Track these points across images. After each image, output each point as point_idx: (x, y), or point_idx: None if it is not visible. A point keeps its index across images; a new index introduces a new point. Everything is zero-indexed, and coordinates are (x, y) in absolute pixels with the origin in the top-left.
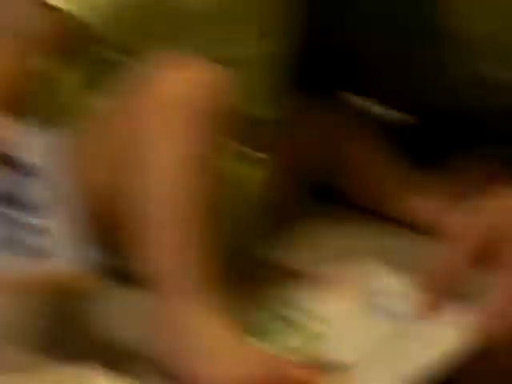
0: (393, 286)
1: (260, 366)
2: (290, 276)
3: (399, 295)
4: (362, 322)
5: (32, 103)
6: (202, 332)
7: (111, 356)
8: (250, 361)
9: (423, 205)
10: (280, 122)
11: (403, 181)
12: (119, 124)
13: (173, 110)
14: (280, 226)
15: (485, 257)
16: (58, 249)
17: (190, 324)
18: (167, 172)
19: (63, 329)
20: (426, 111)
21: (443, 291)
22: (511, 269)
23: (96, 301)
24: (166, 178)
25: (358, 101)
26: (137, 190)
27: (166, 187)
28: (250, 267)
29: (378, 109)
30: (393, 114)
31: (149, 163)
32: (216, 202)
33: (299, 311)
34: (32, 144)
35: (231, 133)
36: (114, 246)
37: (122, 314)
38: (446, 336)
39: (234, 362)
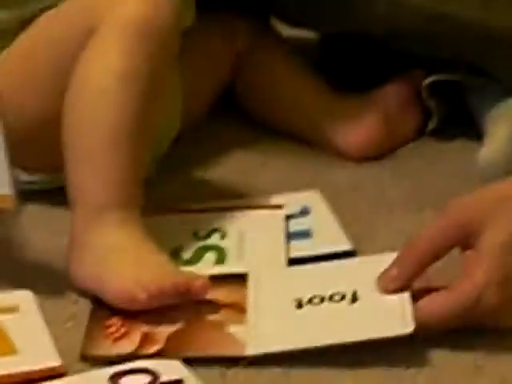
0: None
1: (158, 274)
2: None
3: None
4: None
5: None
6: (109, 244)
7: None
8: (149, 270)
9: (347, 128)
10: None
11: (321, 98)
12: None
13: (111, 28)
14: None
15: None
16: None
17: (98, 237)
18: (101, 90)
19: None
20: (329, 31)
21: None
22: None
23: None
24: (99, 97)
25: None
26: (72, 107)
27: (99, 106)
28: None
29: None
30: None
31: (84, 81)
32: (150, 121)
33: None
34: None
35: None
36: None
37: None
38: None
39: (136, 270)
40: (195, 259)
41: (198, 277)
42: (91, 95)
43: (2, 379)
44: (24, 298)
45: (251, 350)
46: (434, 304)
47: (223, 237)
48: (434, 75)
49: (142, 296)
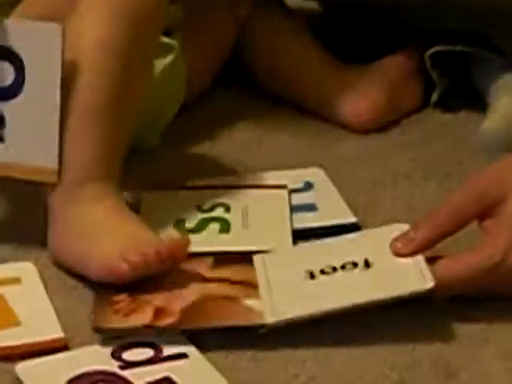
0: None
1: (139, 245)
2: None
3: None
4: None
5: None
6: (89, 220)
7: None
8: (130, 241)
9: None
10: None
11: (325, 68)
12: None
13: None
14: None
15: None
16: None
17: (77, 213)
18: (85, 55)
19: None
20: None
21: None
22: None
23: None
24: (84, 61)
25: None
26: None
27: (83, 72)
28: None
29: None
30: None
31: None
32: (132, 95)
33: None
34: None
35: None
36: None
37: None
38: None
39: (117, 244)
40: (199, 228)
41: (180, 241)
42: (68, 67)
43: (5, 351)
44: (26, 269)
45: (270, 318)
46: (455, 263)
47: (227, 210)
48: (437, 46)
49: (125, 267)
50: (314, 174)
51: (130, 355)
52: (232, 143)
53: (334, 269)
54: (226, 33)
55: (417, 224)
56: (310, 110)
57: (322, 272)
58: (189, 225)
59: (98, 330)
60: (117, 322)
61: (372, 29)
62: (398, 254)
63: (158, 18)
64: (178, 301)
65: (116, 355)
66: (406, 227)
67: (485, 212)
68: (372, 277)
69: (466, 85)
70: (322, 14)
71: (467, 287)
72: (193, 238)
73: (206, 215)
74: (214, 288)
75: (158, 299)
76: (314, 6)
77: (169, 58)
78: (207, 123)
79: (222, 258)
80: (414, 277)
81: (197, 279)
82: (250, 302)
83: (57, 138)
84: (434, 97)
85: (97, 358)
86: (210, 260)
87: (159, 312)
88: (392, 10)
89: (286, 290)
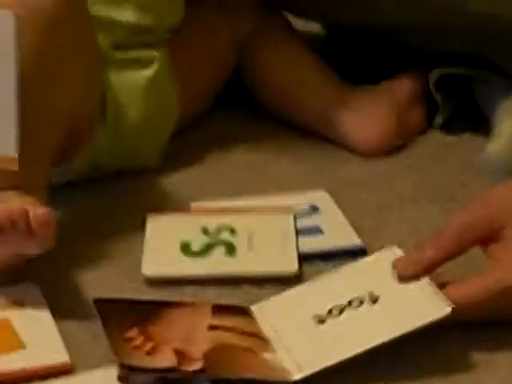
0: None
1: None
2: None
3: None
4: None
5: None
6: None
7: None
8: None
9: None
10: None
11: (331, 88)
12: None
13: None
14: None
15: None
16: None
17: None
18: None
19: None
20: (335, 22)
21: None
22: None
23: None
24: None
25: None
26: None
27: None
28: None
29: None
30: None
31: None
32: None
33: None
34: None
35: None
36: None
37: None
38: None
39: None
40: (205, 252)
41: (38, 205)
42: None
43: (10, 375)
44: (30, 291)
45: (297, 375)
46: (467, 287)
47: (233, 233)
48: (441, 69)
49: None
50: (319, 197)
51: (136, 379)
52: (235, 165)
53: (341, 310)
54: (225, 52)
55: (421, 245)
56: (313, 132)
57: (330, 314)
58: (195, 248)
59: (124, 366)
60: (142, 361)
61: (375, 51)
62: (403, 277)
63: (63, 26)
64: (195, 345)
65: (122, 379)
66: (399, 252)
67: (489, 236)
68: (384, 312)
69: (470, 107)
70: (326, 37)
71: (479, 311)
72: (199, 261)
73: (211, 238)
74: (226, 337)
75: (174, 341)
76: (317, 28)
77: (151, 70)
78: (208, 145)
79: (219, 307)
80: (428, 304)
81: (203, 325)
82: (267, 356)
83: (15, 125)
84: (439, 120)
85: (102, 382)
86: (208, 307)
87: (181, 355)
88: (395, 32)
89: (301, 341)
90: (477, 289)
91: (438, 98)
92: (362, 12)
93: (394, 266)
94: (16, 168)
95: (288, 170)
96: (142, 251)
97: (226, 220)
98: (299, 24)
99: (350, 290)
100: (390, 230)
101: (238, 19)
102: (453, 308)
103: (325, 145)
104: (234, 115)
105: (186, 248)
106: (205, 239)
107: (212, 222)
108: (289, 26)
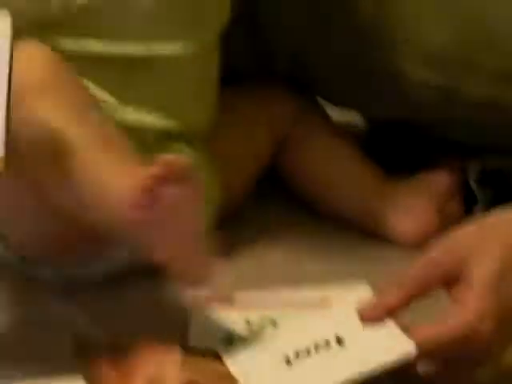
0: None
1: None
2: None
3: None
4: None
5: None
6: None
7: None
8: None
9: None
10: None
11: (372, 181)
12: None
13: None
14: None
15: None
16: None
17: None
18: None
19: None
20: (379, 119)
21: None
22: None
23: None
24: None
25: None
26: None
27: None
28: None
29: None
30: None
31: None
32: None
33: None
34: None
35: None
36: None
37: None
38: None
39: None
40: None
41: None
42: None
43: None
44: None
45: None
46: (431, 329)
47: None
48: (480, 163)
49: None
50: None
51: None
52: (274, 255)
53: (308, 351)
54: (262, 149)
55: (383, 290)
56: (354, 223)
57: (297, 356)
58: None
59: None
60: None
61: (414, 143)
62: (367, 321)
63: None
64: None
65: None
66: (363, 288)
67: (453, 275)
68: (350, 351)
69: (509, 196)
70: (368, 131)
71: (444, 353)
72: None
73: (254, 332)
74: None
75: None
76: (356, 119)
77: None
78: (248, 233)
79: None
80: (392, 344)
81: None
82: None
83: (3, 125)
84: (478, 211)
85: None
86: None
87: None
88: (434, 125)
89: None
90: (443, 330)
91: (477, 189)
92: (406, 104)
93: (358, 311)
94: (2, 169)
95: (329, 261)
96: None
97: (270, 314)
98: (337, 115)
99: (315, 332)
100: None
101: (278, 115)
102: (417, 349)
103: (367, 235)
104: (271, 200)
105: (229, 341)
106: (248, 333)
107: (255, 315)
108: (327, 117)
